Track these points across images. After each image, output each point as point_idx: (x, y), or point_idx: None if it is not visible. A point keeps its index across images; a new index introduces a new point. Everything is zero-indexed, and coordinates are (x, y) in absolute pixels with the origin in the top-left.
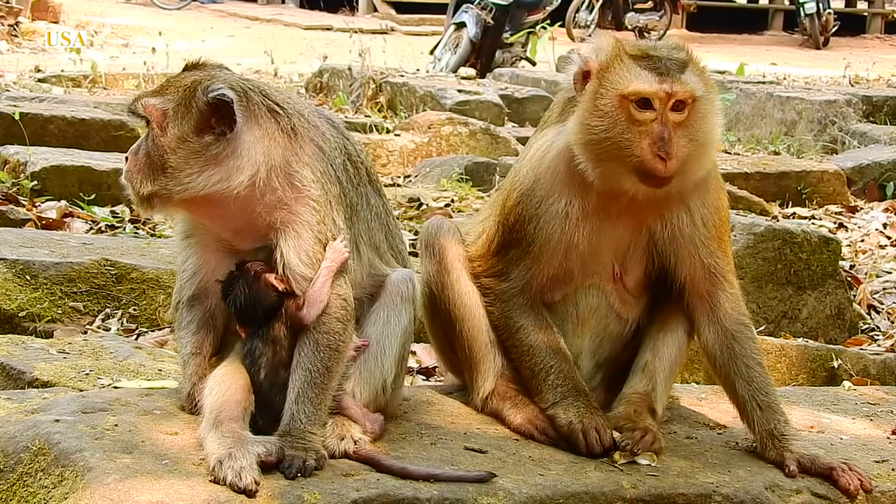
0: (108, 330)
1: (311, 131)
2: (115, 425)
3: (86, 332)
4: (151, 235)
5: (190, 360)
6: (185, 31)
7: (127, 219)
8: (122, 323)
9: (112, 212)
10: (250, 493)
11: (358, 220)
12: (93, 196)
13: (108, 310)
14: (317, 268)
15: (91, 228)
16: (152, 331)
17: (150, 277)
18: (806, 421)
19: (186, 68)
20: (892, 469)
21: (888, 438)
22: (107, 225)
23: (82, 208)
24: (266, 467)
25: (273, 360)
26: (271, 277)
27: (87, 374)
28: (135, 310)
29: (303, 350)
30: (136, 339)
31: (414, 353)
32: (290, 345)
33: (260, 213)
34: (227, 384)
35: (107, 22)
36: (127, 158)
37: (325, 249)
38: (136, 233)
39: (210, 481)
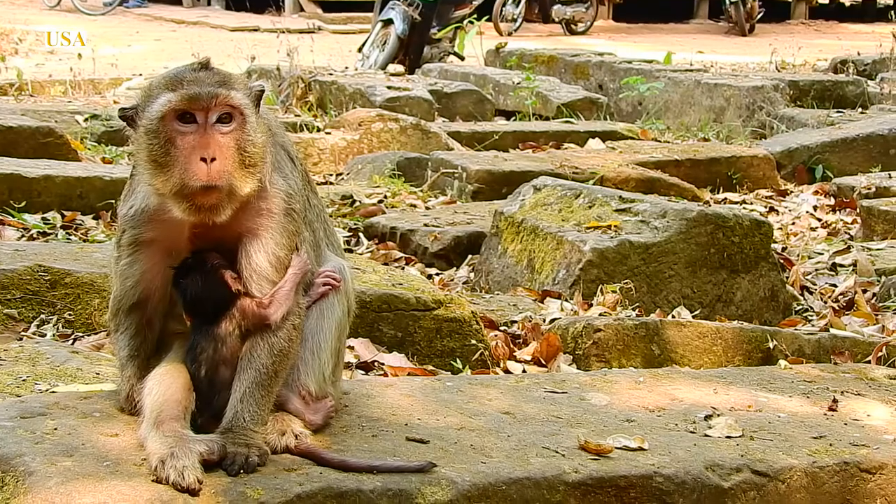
0: (43, 336)
1: (280, 135)
2: (55, 429)
3: (21, 339)
4: (84, 241)
5: (128, 362)
6: (111, 36)
7: (59, 225)
8: (57, 328)
9: (43, 219)
10: (193, 492)
11: (305, 223)
12: (23, 203)
13: (43, 315)
14: (283, 273)
15: (22, 236)
16: (88, 335)
17: (84, 282)
18: (743, 400)
19: (206, 66)
20: (830, 444)
21: (825, 415)
22: (38, 232)
23: (13, 216)
24: (209, 465)
25: (214, 357)
26: (227, 275)
27: (24, 380)
28: (70, 315)
29: (255, 351)
30: (73, 343)
31: (352, 347)
32: (235, 344)
33: (243, 219)
34: (166, 384)
35: (31, 29)
36: (213, 159)
37: (291, 257)
38: (68, 238)
39: (153, 481)
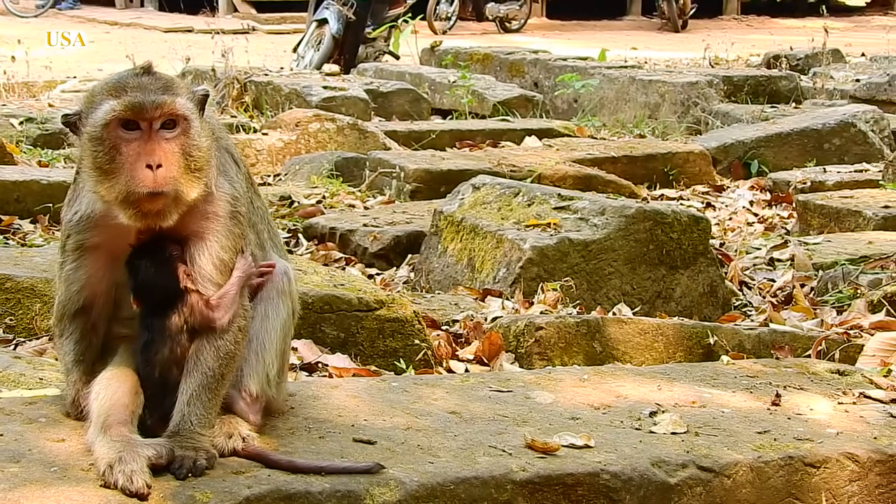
0: None
1: (224, 139)
2: (0, 435)
3: None
4: (22, 245)
5: (73, 367)
6: (44, 38)
7: None
8: None
9: None
10: (142, 497)
11: (250, 226)
12: None
13: None
14: (228, 276)
15: None
16: (30, 340)
17: (25, 287)
18: (687, 397)
19: (148, 71)
20: (775, 439)
21: (769, 409)
22: None
23: None
24: (157, 469)
25: (169, 357)
26: (182, 269)
27: None
28: (11, 320)
29: (202, 354)
30: (15, 349)
31: (295, 349)
32: (186, 344)
33: (189, 223)
34: (113, 388)
35: None
36: (159, 165)
37: (236, 260)
38: (6, 243)
39: (101, 486)
